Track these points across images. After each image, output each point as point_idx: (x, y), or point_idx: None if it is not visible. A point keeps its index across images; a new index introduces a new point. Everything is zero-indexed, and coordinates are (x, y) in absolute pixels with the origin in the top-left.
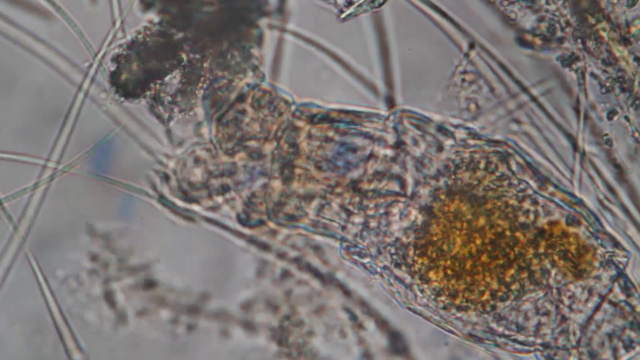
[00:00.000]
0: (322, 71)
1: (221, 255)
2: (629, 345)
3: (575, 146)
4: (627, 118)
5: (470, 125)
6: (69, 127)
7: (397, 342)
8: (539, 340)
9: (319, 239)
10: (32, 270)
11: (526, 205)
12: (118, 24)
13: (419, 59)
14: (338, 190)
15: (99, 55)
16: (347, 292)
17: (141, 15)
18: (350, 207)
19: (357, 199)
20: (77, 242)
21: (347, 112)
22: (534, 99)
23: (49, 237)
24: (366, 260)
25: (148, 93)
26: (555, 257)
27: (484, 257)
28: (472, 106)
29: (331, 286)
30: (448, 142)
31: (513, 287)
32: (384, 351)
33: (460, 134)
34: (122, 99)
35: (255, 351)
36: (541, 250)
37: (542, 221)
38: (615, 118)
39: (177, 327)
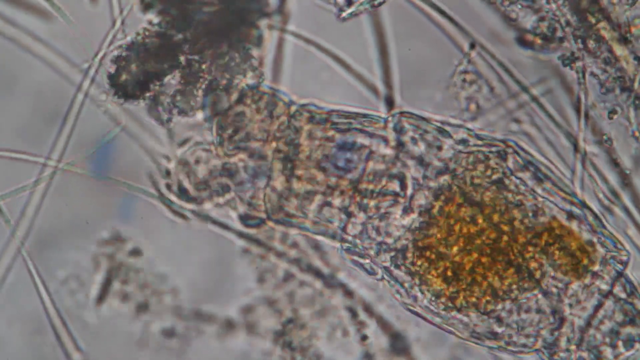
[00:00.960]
0: (322, 72)
1: (221, 255)
2: (629, 344)
3: (575, 146)
4: (627, 117)
5: (469, 125)
6: (68, 127)
7: (397, 342)
8: (540, 341)
9: (319, 239)
10: (29, 271)
11: (526, 204)
12: (118, 24)
13: (419, 59)
14: (338, 190)
15: (99, 56)
16: (348, 293)
17: (141, 16)
18: (351, 208)
19: (357, 199)
20: (77, 242)
21: (347, 112)
22: (534, 98)
23: (48, 237)
24: (366, 261)
25: (147, 94)
26: (556, 255)
27: (483, 258)
28: (472, 106)
29: (333, 287)
30: (448, 143)
31: (513, 287)
32: (384, 352)
33: (460, 134)
34: (122, 100)
35: (258, 354)
36: (541, 249)
37: (542, 220)
38: (615, 117)
39: (176, 328)
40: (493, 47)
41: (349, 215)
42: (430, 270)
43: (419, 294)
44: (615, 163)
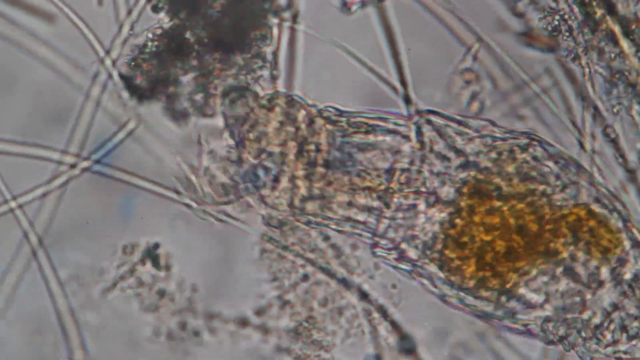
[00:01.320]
0: (329, 70)
1: (224, 255)
2: (631, 336)
3: (581, 141)
4: (631, 113)
5: (490, 119)
6: (73, 127)
7: (405, 343)
8: (562, 330)
9: (342, 238)
10: (41, 270)
11: (554, 192)
12: (128, 26)
13: (419, 58)
14: (362, 190)
15: (111, 58)
16: (363, 294)
17: (152, 16)
18: (376, 206)
19: (382, 198)
20: (77, 242)
21: (366, 113)
22: (538, 94)
23: (49, 238)
24: (396, 257)
25: (162, 95)
26: (585, 242)
27: (511, 246)
28: (475, 104)
29: (348, 287)
30: (471, 137)
31: (541, 273)
32: (390, 352)
33: (483, 128)
34: (136, 101)
35: (268, 352)
36: (570, 235)
37: (571, 206)
38: (620, 112)
39: (179, 328)
40: (496, 43)
41: (374, 214)
42: (460, 259)
43: (449, 285)
44: (621, 159)
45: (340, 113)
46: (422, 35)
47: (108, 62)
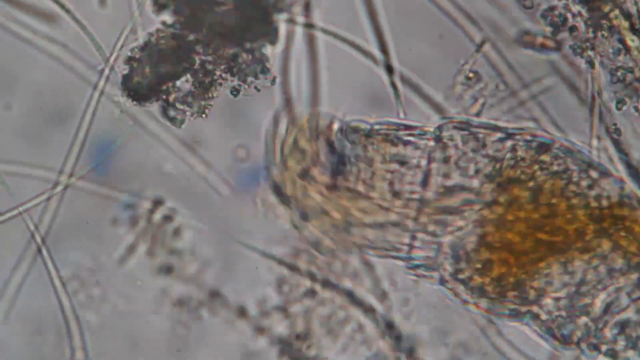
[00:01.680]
0: (332, 71)
1: (224, 255)
2: (630, 343)
3: (589, 137)
4: (636, 108)
5: (510, 122)
6: (75, 131)
7: (403, 344)
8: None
9: (379, 261)
10: (47, 270)
11: (588, 191)
12: (129, 26)
13: (419, 57)
14: (397, 209)
15: (111, 59)
16: (368, 309)
17: (153, 17)
18: (409, 222)
19: (417, 216)
20: (78, 242)
21: (392, 126)
22: (541, 92)
23: (49, 238)
24: (433, 273)
25: (160, 96)
26: (622, 234)
27: (545, 247)
28: (476, 105)
29: (355, 303)
30: (494, 140)
31: (576, 275)
32: (390, 352)
33: (501, 130)
34: (134, 102)
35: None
36: (604, 234)
37: (604, 205)
38: (624, 108)
39: (178, 328)
40: (498, 43)
41: (407, 232)
42: (489, 261)
43: (480, 291)
44: (624, 154)
45: (364, 126)
46: (425, 35)
47: (109, 62)
